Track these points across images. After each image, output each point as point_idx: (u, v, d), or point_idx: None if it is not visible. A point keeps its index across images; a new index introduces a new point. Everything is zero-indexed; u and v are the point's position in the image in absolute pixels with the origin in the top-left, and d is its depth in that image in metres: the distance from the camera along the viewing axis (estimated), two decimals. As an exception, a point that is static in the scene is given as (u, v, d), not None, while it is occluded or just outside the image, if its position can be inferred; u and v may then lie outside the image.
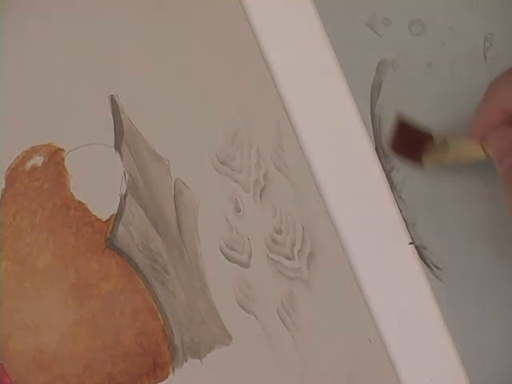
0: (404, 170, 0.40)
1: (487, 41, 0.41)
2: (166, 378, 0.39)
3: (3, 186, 0.40)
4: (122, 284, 0.39)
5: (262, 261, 0.40)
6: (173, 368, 0.39)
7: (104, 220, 0.40)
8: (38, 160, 0.40)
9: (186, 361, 0.39)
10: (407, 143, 0.39)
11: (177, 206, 0.40)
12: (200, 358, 0.39)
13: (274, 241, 0.40)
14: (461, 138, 0.38)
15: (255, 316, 0.39)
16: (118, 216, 0.40)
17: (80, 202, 0.40)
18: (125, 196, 0.40)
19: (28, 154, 0.40)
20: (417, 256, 0.40)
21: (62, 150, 0.40)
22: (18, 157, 0.40)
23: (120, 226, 0.40)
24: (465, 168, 0.40)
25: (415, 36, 0.41)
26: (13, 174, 0.40)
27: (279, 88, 0.41)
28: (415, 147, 0.39)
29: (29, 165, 0.40)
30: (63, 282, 0.39)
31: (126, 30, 0.41)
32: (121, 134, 0.40)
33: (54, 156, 0.40)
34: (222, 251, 0.40)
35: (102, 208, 0.40)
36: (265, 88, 0.41)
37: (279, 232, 0.40)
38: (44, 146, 0.40)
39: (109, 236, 0.40)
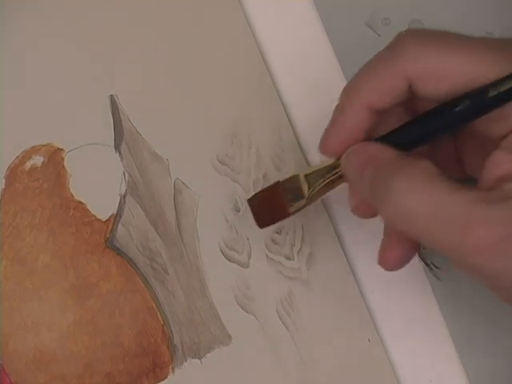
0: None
1: (487, 40, 0.41)
2: (166, 378, 0.39)
3: (3, 186, 0.40)
4: (122, 284, 0.39)
5: (261, 261, 0.40)
6: (172, 368, 0.39)
7: (103, 220, 0.40)
8: (37, 160, 0.40)
9: (186, 361, 0.39)
10: (267, 210, 0.37)
11: (176, 205, 0.40)
12: (200, 358, 0.39)
13: (273, 241, 0.40)
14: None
15: (255, 316, 0.39)
16: (117, 216, 0.40)
17: (80, 202, 0.40)
18: (124, 196, 0.40)
19: (27, 154, 0.40)
20: (416, 255, 0.40)
21: (62, 149, 0.40)
22: (17, 157, 0.40)
23: (119, 226, 0.40)
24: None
25: (415, 36, 0.41)
26: (12, 173, 0.40)
27: (278, 88, 0.41)
28: (276, 206, 0.36)
29: (28, 165, 0.40)
30: (63, 281, 0.39)
31: (126, 30, 0.41)
32: (120, 133, 0.40)
33: (54, 156, 0.40)
34: (221, 251, 0.40)
35: (102, 208, 0.40)
36: (264, 88, 0.41)
37: (279, 232, 0.40)
38: (43, 145, 0.40)
39: (108, 236, 0.40)
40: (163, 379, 0.39)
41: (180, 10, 0.41)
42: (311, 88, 0.41)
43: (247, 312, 0.39)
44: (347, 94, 0.34)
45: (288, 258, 0.40)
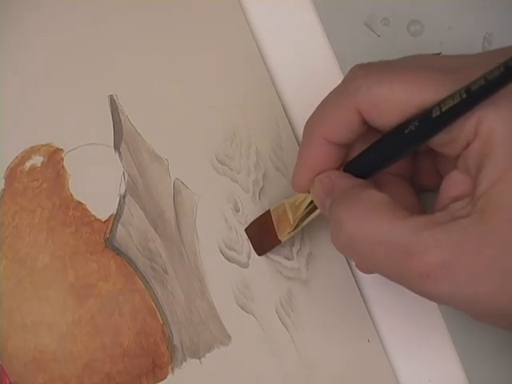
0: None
1: (486, 41, 0.41)
2: (165, 378, 0.39)
3: (2, 186, 0.40)
4: (121, 284, 0.39)
5: (260, 261, 0.40)
6: (172, 368, 0.39)
7: (103, 220, 0.40)
8: (37, 160, 0.40)
9: (185, 361, 0.39)
10: (262, 238, 0.39)
11: (176, 206, 0.40)
12: (199, 358, 0.39)
13: (273, 241, 0.40)
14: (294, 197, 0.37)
15: (254, 316, 0.39)
16: (117, 216, 0.40)
17: (79, 202, 0.40)
18: (124, 196, 0.40)
19: (27, 154, 0.40)
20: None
21: (61, 149, 0.40)
22: (17, 157, 0.40)
23: (119, 226, 0.40)
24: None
25: (414, 36, 0.41)
26: (12, 173, 0.40)
27: (278, 88, 0.42)
28: (268, 234, 0.38)
29: (28, 165, 0.40)
30: (62, 281, 0.39)
31: (126, 30, 0.41)
32: (120, 134, 0.40)
33: (53, 156, 0.40)
34: (221, 251, 0.40)
35: (101, 208, 0.40)
36: (264, 88, 0.41)
37: (278, 232, 0.40)
38: (43, 145, 0.40)
39: (108, 236, 0.40)
40: (163, 379, 0.39)
41: (180, 10, 0.41)
42: (310, 88, 0.41)
43: (247, 312, 0.39)
44: (307, 129, 0.35)
45: (287, 258, 0.40)
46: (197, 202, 0.40)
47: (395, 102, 0.31)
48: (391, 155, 0.33)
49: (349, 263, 0.40)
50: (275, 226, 0.38)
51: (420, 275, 0.29)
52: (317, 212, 0.36)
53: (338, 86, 0.34)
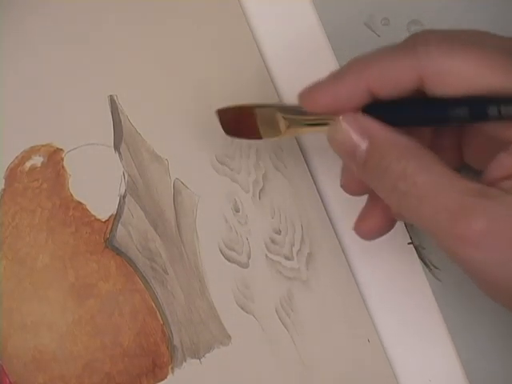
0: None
1: (486, 41, 0.41)
2: (165, 378, 0.39)
3: (2, 186, 0.40)
4: (121, 284, 0.39)
5: (261, 261, 0.40)
6: (172, 368, 0.39)
7: (103, 220, 0.40)
8: (37, 160, 0.40)
9: (185, 361, 0.39)
10: (237, 123, 0.37)
11: (176, 206, 0.40)
12: (199, 358, 0.39)
13: (273, 241, 0.40)
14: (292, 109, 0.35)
15: (254, 316, 0.39)
16: (117, 216, 0.40)
17: (79, 202, 0.40)
18: (124, 196, 0.40)
19: (27, 154, 0.40)
20: (416, 256, 0.40)
21: (61, 150, 0.40)
22: (17, 157, 0.40)
23: (119, 226, 0.40)
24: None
25: (414, 36, 0.41)
26: (12, 173, 0.40)
27: (278, 88, 0.42)
28: (246, 124, 0.36)
29: (28, 165, 0.40)
30: (62, 281, 0.39)
31: (126, 30, 0.41)
32: (120, 134, 0.40)
33: (53, 156, 0.40)
34: (221, 251, 0.40)
35: (101, 208, 0.40)
36: (264, 88, 0.41)
37: (278, 232, 0.40)
38: (43, 146, 0.40)
39: (108, 236, 0.40)
40: (162, 379, 0.39)
41: (180, 10, 0.41)
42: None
43: (247, 312, 0.39)
44: (355, 67, 0.33)
45: (287, 258, 0.40)
46: (197, 202, 0.40)
47: (463, 78, 0.30)
48: (434, 118, 0.32)
49: (349, 263, 0.40)
50: (258, 125, 0.36)
51: (461, 238, 0.29)
52: (316, 129, 0.35)
53: (406, 44, 0.32)
